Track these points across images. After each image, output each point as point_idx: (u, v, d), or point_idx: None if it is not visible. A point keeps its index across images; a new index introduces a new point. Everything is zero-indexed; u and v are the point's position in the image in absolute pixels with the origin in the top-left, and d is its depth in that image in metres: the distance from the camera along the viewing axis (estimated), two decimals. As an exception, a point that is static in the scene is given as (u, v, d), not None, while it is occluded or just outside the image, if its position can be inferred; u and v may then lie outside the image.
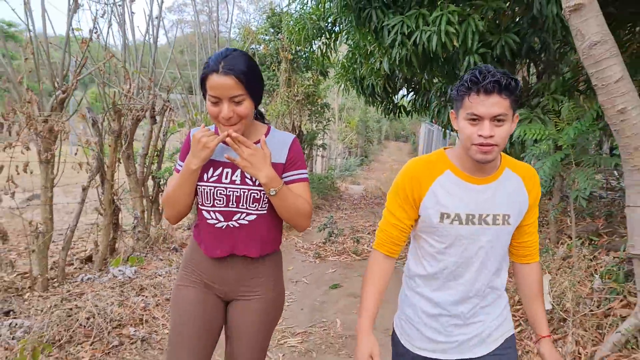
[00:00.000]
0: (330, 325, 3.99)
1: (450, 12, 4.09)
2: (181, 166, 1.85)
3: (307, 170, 1.90)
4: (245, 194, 1.78)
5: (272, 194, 1.72)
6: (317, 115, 11.32)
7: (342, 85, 7.71)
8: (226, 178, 1.80)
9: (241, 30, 9.04)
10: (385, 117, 8.73)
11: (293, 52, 8.88)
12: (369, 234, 7.42)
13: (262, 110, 8.92)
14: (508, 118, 1.48)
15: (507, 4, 4.43)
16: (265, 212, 1.81)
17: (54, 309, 3.25)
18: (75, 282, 4.00)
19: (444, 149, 1.70)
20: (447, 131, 6.89)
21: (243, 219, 1.80)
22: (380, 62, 5.09)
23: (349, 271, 5.62)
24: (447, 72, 5.02)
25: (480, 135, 1.47)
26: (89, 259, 4.60)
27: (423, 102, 6.99)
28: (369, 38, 5.08)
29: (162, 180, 5.63)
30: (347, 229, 7.51)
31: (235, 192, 1.78)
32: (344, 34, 6.54)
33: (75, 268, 4.41)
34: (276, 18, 9.81)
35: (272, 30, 9.87)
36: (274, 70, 9.67)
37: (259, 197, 1.79)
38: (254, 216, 1.80)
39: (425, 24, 4.22)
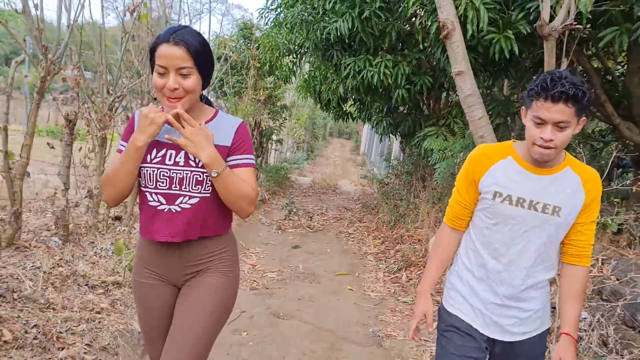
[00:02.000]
0: (295, 268, 5.85)
1: (387, 60, 6.03)
2: (124, 147, 1.82)
3: (253, 156, 1.87)
4: (188, 175, 1.76)
5: (214, 175, 1.70)
6: (275, 114, 13.11)
7: (303, 94, 9.59)
8: (170, 159, 1.78)
9: (215, 40, 10.59)
10: (334, 120, 10.67)
11: (261, 62, 10.63)
12: (317, 215, 9.33)
13: (224, 106, 10.53)
14: (571, 124, 1.58)
15: (426, 57, 6.42)
16: (208, 195, 1.79)
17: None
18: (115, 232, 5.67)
19: (513, 141, 1.84)
20: (383, 137, 8.90)
21: (186, 202, 1.78)
22: (337, 87, 7.00)
23: (305, 238, 7.51)
24: (383, 98, 7.00)
25: (541, 138, 1.60)
26: (117, 218, 6.25)
27: (366, 114, 8.98)
28: (330, 70, 6.98)
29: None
30: (300, 210, 9.37)
31: (178, 174, 1.76)
32: (308, 57, 8.37)
33: (109, 224, 6.06)
34: (248, 31, 11.52)
35: (244, 41, 11.57)
36: (243, 75, 11.37)
37: (201, 179, 1.77)
38: (197, 199, 1.78)
39: (370, 66, 6.14)
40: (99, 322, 3.24)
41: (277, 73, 11.17)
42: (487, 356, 1.87)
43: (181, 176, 1.76)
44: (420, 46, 6.15)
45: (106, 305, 3.54)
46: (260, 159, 12.87)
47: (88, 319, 3.23)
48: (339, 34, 5.78)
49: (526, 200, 1.71)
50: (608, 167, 4.90)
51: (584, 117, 1.63)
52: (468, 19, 4.73)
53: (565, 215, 1.71)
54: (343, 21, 5.66)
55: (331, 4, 5.67)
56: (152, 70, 1.72)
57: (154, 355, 1.95)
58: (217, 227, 1.87)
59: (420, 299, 1.89)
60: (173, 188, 1.77)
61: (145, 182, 1.79)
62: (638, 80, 5.38)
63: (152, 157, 1.78)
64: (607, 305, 3.13)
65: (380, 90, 6.52)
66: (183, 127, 1.68)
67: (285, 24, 7.16)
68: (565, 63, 3.91)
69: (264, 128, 12.82)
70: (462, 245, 1.93)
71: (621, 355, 2.62)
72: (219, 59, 10.02)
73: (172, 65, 1.65)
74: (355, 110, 9.82)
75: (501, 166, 1.75)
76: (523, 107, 1.72)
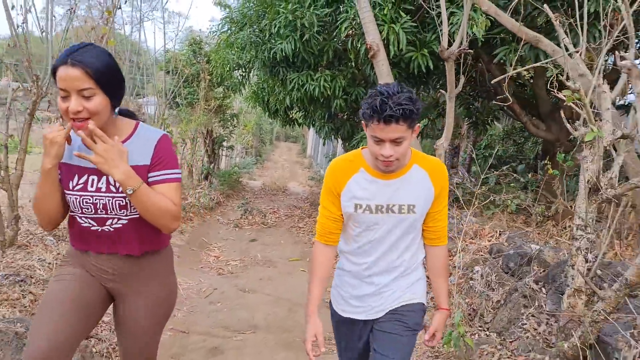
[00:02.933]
0: (254, 256, 6.75)
1: (325, 75, 7.04)
2: None
3: (178, 169, 1.84)
4: (111, 201, 1.72)
5: (128, 192, 1.66)
6: (225, 122, 13.93)
7: (252, 104, 10.49)
8: (92, 186, 1.74)
9: (165, 55, 11.31)
10: (281, 126, 11.64)
11: (212, 75, 11.43)
12: (270, 214, 10.24)
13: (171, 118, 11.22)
14: (406, 137, 1.71)
15: (359, 71, 7.48)
16: (137, 215, 1.76)
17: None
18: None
19: (362, 148, 1.94)
20: (326, 140, 9.92)
21: (116, 223, 1.77)
22: (284, 98, 7.96)
23: (261, 233, 8.41)
24: (324, 107, 8.01)
25: (382, 154, 1.72)
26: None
27: (310, 120, 9.99)
28: (277, 83, 7.94)
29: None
30: (254, 210, 10.24)
31: (101, 200, 1.72)
32: (256, 72, 9.28)
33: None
34: (197, 46, 12.31)
35: (193, 55, 12.34)
36: (194, 87, 12.14)
37: (124, 203, 1.74)
38: (125, 221, 1.76)
39: (311, 80, 7.12)
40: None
41: (226, 83, 12.01)
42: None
43: (104, 202, 1.73)
44: (353, 63, 7.18)
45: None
46: (212, 165, 13.62)
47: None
48: (283, 54, 6.75)
49: (384, 206, 1.88)
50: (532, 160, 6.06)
51: (417, 125, 1.77)
52: (390, 41, 5.78)
53: (420, 210, 1.90)
54: (287, 43, 6.63)
55: (276, 29, 6.63)
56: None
57: (38, 328, 1.72)
58: (156, 242, 1.89)
59: (310, 322, 1.95)
60: (99, 213, 1.75)
61: (72, 207, 1.78)
62: (542, 83, 6.55)
63: (75, 184, 1.75)
64: (493, 259, 4.22)
65: (321, 100, 7.53)
66: (95, 143, 1.63)
67: (236, 45, 8.05)
68: (462, 79, 5.00)
69: (215, 136, 13.63)
70: (339, 249, 2.09)
71: (494, 290, 3.70)
72: (169, 72, 10.78)
73: (73, 87, 1.59)
74: (300, 117, 10.80)
75: (355, 180, 1.89)
76: (363, 121, 1.81)
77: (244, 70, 9.42)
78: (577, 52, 3.31)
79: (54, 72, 1.63)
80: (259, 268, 6.20)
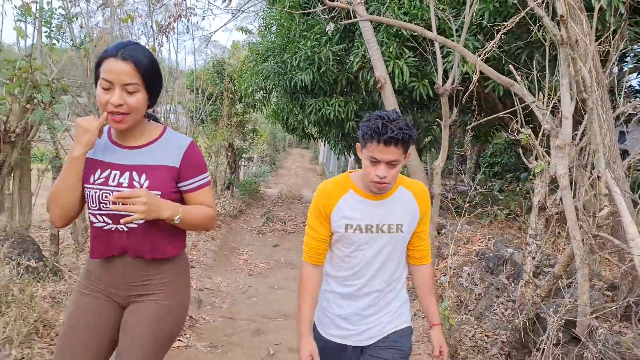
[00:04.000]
0: (278, 260, 7.77)
1: (339, 100, 8.07)
2: None
3: (207, 173, 1.87)
4: None
5: (177, 222, 1.71)
6: (245, 135, 15.01)
7: (272, 121, 11.55)
8: (113, 180, 1.73)
9: (192, 75, 12.38)
10: (298, 141, 12.70)
11: (234, 94, 12.50)
12: (288, 220, 11.26)
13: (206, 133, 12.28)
14: (400, 161, 1.80)
15: (369, 97, 8.49)
16: None
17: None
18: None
19: (349, 172, 2.05)
20: (340, 157, 10.95)
21: (132, 222, 1.72)
22: (302, 119, 8.99)
23: (282, 239, 9.44)
24: (338, 127, 9.04)
25: (377, 175, 1.79)
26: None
27: (325, 138, 11.03)
28: (296, 107, 8.98)
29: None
30: (275, 217, 11.26)
31: None
32: (276, 95, 10.34)
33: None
34: (220, 67, 13.42)
35: (217, 75, 13.44)
36: (218, 104, 13.22)
37: None
38: (142, 220, 1.71)
39: (327, 105, 8.15)
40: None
41: (246, 101, 13.08)
42: None
43: None
44: (364, 91, 8.21)
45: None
46: (233, 175, 14.68)
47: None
48: (303, 83, 7.78)
49: (374, 226, 1.93)
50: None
51: (409, 151, 1.85)
52: (395, 74, 6.78)
53: (406, 229, 1.97)
54: (306, 74, 7.67)
55: (297, 62, 7.66)
56: (96, 84, 1.68)
57: None
58: (170, 247, 1.85)
59: (303, 343, 1.98)
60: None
61: (89, 203, 1.74)
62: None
63: (96, 178, 1.73)
64: (479, 260, 5.20)
65: (336, 122, 8.54)
66: (132, 203, 1.62)
67: (261, 74, 9.11)
68: (455, 112, 5.97)
69: (236, 148, 14.70)
70: (325, 273, 2.10)
71: (477, 285, 4.67)
72: (194, 90, 11.79)
73: (118, 81, 1.62)
74: (315, 132, 11.84)
75: (345, 200, 1.94)
76: (358, 143, 1.88)
77: (265, 91, 10.46)
78: (540, 99, 4.28)
79: (98, 63, 1.66)
80: (283, 269, 7.21)
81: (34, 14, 4.53)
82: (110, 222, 1.75)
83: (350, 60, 7.45)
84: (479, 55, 4.19)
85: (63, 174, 1.71)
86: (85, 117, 1.70)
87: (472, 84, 4.43)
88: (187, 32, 10.39)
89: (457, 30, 5.65)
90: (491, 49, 4.22)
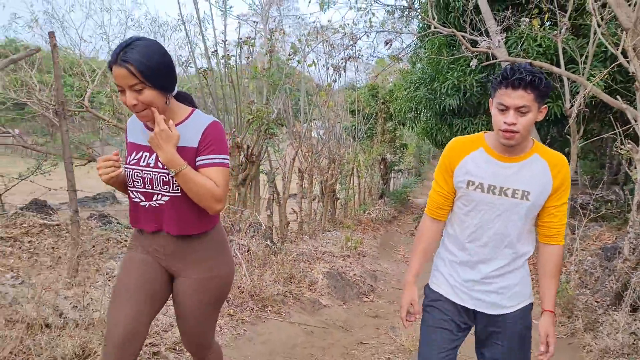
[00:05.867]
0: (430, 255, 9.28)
1: (482, 120, 9.43)
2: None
3: (226, 155, 1.90)
4: (156, 176, 1.86)
5: (172, 174, 1.80)
6: (396, 149, 16.76)
7: (422, 137, 13.12)
8: (143, 161, 1.89)
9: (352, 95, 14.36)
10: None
11: (387, 115, 14.29)
12: (437, 226, 12.68)
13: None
14: (532, 109, 1.70)
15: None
16: (179, 194, 1.88)
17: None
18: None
19: (484, 132, 1.95)
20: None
21: (160, 199, 1.90)
22: (450, 137, 10.45)
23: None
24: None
25: (505, 122, 1.72)
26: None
27: (470, 150, 12.36)
28: (445, 126, 10.50)
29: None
30: (424, 222, 12.73)
31: (148, 175, 1.87)
32: (426, 115, 11.90)
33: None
34: (374, 90, 15.35)
35: (371, 97, 15.38)
36: (373, 123, 15.12)
37: (167, 180, 1.86)
38: (167, 197, 1.88)
39: (472, 124, 9.54)
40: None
41: (397, 119, 14.79)
42: (468, 329, 2.03)
43: (150, 177, 1.87)
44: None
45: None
46: (385, 185, 16.45)
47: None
48: (450, 107, 9.28)
49: (497, 187, 1.84)
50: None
51: (545, 105, 1.76)
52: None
53: (534, 199, 1.84)
54: (453, 99, 9.16)
55: (445, 90, 9.19)
56: None
57: (113, 315, 1.91)
58: (199, 224, 1.95)
59: (406, 290, 2.04)
60: (147, 187, 1.89)
61: (128, 181, 1.94)
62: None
63: (131, 159, 1.91)
64: (602, 252, 6.32)
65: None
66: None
67: (414, 100, 10.77)
68: (582, 129, 7.06)
69: (388, 162, 16.50)
70: (445, 232, 2.08)
71: (596, 269, 5.84)
72: (352, 112, 13.61)
73: (124, 84, 1.71)
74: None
75: (472, 157, 1.88)
76: (490, 98, 1.83)
77: (415, 112, 12.10)
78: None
79: (110, 70, 1.75)
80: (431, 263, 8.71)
81: (263, 74, 6.66)
82: (144, 199, 1.92)
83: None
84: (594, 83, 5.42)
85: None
86: (102, 160, 1.88)
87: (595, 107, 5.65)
88: (357, 71, 11.97)
89: (585, 57, 6.76)
90: (602, 77, 5.43)
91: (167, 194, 1.88)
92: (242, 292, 4.26)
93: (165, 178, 1.85)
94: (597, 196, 12.35)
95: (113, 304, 1.94)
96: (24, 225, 5.75)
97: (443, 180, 1.98)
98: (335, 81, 9.32)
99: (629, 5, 4.60)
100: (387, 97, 13.90)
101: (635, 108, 5.32)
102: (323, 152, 9.29)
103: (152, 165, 1.87)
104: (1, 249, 4.88)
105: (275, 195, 7.32)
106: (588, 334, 4.33)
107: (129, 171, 1.90)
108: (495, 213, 1.88)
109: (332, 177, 9.46)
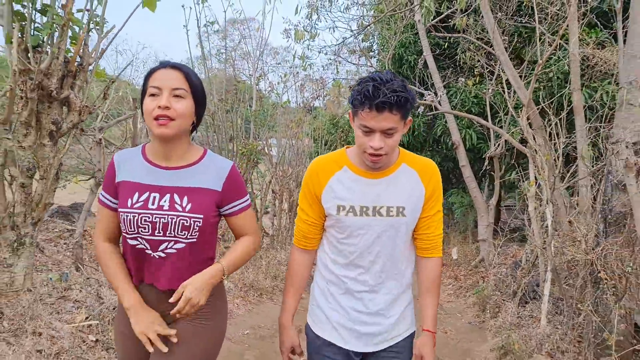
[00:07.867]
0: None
1: (427, 154, 11.23)
2: (105, 197, 1.76)
3: (247, 195, 1.83)
4: (174, 220, 1.65)
5: (225, 279, 1.73)
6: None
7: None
8: (153, 203, 1.67)
9: (314, 122, 15.94)
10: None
11: (346, 142, 15.92)
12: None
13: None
14: (398, 129, 1.58)
15: (450, 153, 11.58)
16: (195, 240, 1.71)
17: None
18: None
19: (346, 147, 1.82)
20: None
21: (171, 247, 1.68)
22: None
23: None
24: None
25: (371, 146, 1.59)
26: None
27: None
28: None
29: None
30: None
31: (162, 219, 1.65)
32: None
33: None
34: (335, 120, 17.03)
35: (332, 126, 17.03)
36: (333, 150, 16.71)
37: (188, 224, 1.67)
38: (183, 244, 1.69)
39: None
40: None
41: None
42: None
43: (165, 221, 1.65)
44: (444, 149, 11.30)
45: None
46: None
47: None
48: (401, 143, 10.99)
49: (369, 208, 1.71)
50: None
51: (410, 118, 1.65)
52: (466, 140, 9.86)
53: (409, 213, 1.74)
54: (403, 136, 10.91)
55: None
56: (142, 102, 1.66)
57: None
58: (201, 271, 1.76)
59: (284, 335, 1.89)
60: (156, 234, 1.67)
61: (126, 228, 1.68)
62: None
63: (134, 202, 1.67)
64: (513, 265, 8.16)
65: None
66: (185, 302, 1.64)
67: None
68: (502, 170, 8.92)
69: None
70: (319, 262, 1.92)
71: (507, 277, 7.64)
72: (315, 139, 15.04)
73: (167, 86, 1.62)
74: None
75: (338, 178, 1.74)
76: (350, 111, 1.68)
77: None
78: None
79: (147, 77, 1.67)
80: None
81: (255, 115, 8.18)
82: (148, 247, 1.69)
83: (435, 128, 10.63)
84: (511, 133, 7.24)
85: (110, 279, 1.74)
86: (148, 321, 1.70)
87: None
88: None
89: (515, 107, 8.58)
90: (517, 130, 7.28)
91: (183, 240, 1.69)
92: (246, 284, 5.78)
93: (187, 222, 1.67)
94: (510, 221, 14.38)
95: None
96: (56, 230, 7.03)
97: (308, 206, 1.84)
98: (305, 115, 10.99)
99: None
100: (347, 127, 15.53)
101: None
102: (292, 176, 10.80)
103: (166, 207, 1.67)
104: (49, 248, 6.17)
105: (255, 212, 8.81)
106: (493, 320, 6.03)
107: (133, 216, 1.66)
108: (373, 236, 1.76)
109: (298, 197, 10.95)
